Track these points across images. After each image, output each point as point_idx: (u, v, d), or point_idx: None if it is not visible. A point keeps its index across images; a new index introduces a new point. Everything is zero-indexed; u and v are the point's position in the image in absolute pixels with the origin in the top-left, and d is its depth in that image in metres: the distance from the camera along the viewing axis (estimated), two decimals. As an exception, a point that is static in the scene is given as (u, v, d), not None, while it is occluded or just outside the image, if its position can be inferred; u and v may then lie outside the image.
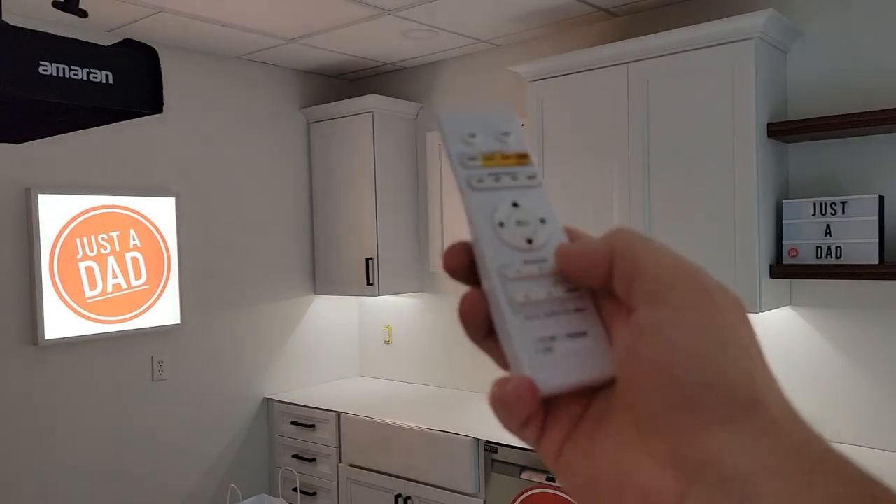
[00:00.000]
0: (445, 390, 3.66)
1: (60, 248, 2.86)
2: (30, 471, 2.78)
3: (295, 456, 3.52)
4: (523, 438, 0.33)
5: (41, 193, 2.80)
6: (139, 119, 3.27)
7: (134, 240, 3.10)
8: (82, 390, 2.94)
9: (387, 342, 3.96)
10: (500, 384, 0.32)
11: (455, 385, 3.65)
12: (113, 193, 3.03)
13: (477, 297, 0.33)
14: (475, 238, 0.33)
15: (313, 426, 3.44)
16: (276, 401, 3.61)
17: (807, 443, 0.26)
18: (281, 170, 3.73)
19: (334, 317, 3.99)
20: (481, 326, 0.33)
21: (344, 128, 3.70)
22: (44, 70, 1.24)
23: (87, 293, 2.94)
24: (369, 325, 4.06)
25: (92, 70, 1.30)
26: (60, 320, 2.85)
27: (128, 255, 3.08)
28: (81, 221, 2.93)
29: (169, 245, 3.22)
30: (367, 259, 3.58)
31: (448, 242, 3.60)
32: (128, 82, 1.36)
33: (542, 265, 0.32)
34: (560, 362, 0.31)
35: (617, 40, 2.78)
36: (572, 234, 0.34)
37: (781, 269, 2.48)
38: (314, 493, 3.45)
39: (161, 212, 3.20)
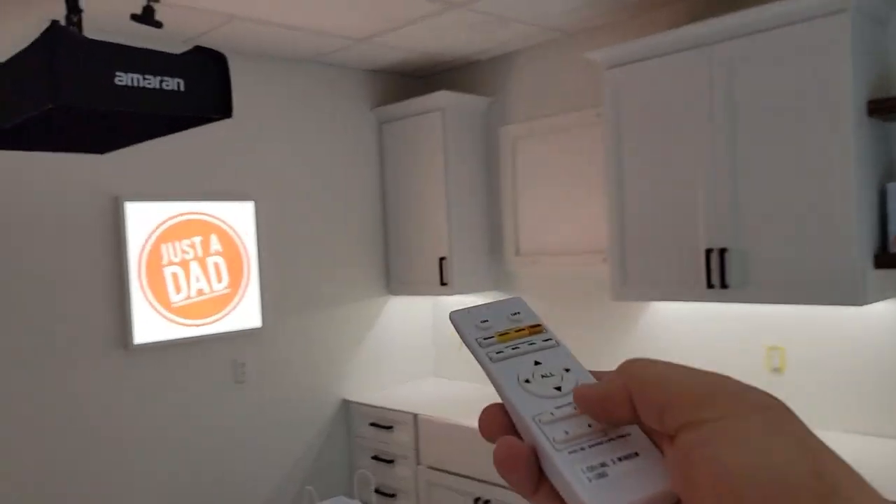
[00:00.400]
0: (524, 390, 3.58)
1: (148, 254, 2.95)
2: (117, 469, 2.88)
3: (374, 457, 3.53)
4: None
5: (128, 202, 2.90)
6: (217, 126, 3.35)
7: (215, 245, 3.17)
8: (168, 392, 3.03)
9: (461, 344, 3.90)
10: None
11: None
12: (195, 199, 3.10)
13: (514, 443, 0.32)
14: (506, 401, 0.34)
15: (391, 428, 3.44)
16: (354, 402, 3.63)
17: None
18: (354, 171, 3.75)
19: (409, 317, 3.98)
20: (526, 476, 0.32)
21: (414, 126, 3.68)
22: (119, 80, 1.26)
23: (173, 298, 3.03)
24: (444, 325, 4.03)
25: (164, 78, 1.31)
26: (149, 324, 2.95)
27: (210, 260, 3.15)
28: (166, 228, 3.02)
29: (248, 249, 3.28)
30: (441, 259, 3.55)
31: (523, 240, 3.53)
32: (199, 89, 1.36)
33: (572, 408, 0.33)
34: (616, 484, 0.30)
35: (694, 22, 2.64)
36: (598, 377, 0.35)
37: (887, 258, 2.29)
38: (394, 495, 3.45)
39: (240, 216, 3.26)
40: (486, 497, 3.00)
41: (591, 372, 0.36)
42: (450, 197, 3.53)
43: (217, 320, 3.17)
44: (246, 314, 3.27)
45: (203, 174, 3.16)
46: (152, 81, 1.31)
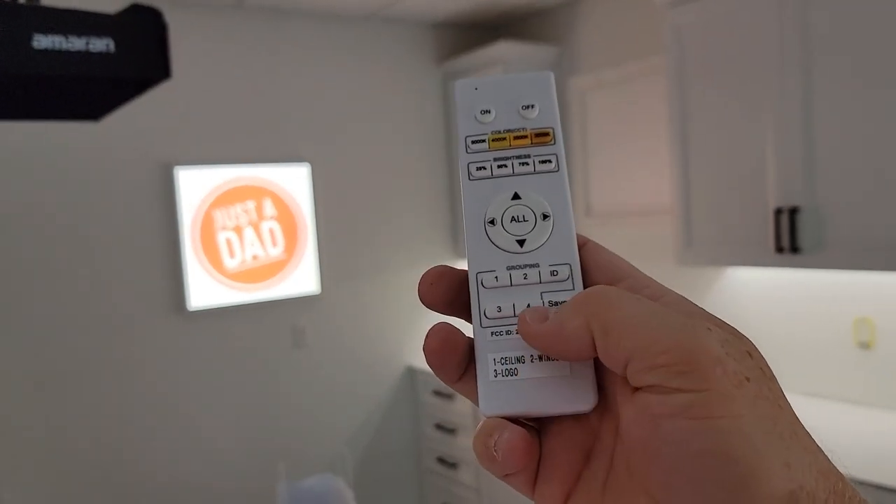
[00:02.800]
0: (593, 361, 3.37)
1: (201, 220, 3.01)
2: (175, 432, 3.00)
3: (437, 426, 3.47)
4: (511, 484, 0.29)
5: (180, 168, 2.96)
6: (271, 88, 3.32)
7: (270, 209, 3.18)
8: (227, 356, 3.10)
9: (533, 308, 3.74)
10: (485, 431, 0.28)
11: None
12: (248, 164, 3.12)
13: (450, 330, 0.30)
14: (466, 234, 0.30)
15: (452, 396, 3.35)
16: (418, 370, 3.58)
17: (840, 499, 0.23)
18: (418, 130, 3.63)
19: (479, 282, 3.84)
20: (455, 364, 0.29)
21: (476, 82, 3.48)
22: (38, 44, 1.20)
23: (228, 263, 3.08)
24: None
25: (91, 39, 1.25)
26: (204, 290, 3.02)
27: (264, 225, 3.17)
28: (219, 194, 3.05)
29: (304, 213, 3.27)
30: (503, 221, 3.37)
31: (594, 200, 3.28)
32: (131, 49, 1.28)
33: (528, 271, 0.28)
34: (520, 387, 0.28)
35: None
36: (581, 243, 0.30)
37: None
38: (455, 465, 3.37)
39: (295, 180, 3.24)
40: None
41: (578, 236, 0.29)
42: (512, 156, 3.32)
43: (274, 286, 3.19)
44: (303, 279, 3.27)
45: (256, 138, 3.16)
46: (76, 43, 1.24)
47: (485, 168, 0.30)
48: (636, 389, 0.25)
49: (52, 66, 1.22)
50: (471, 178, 0.30)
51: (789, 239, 2.15)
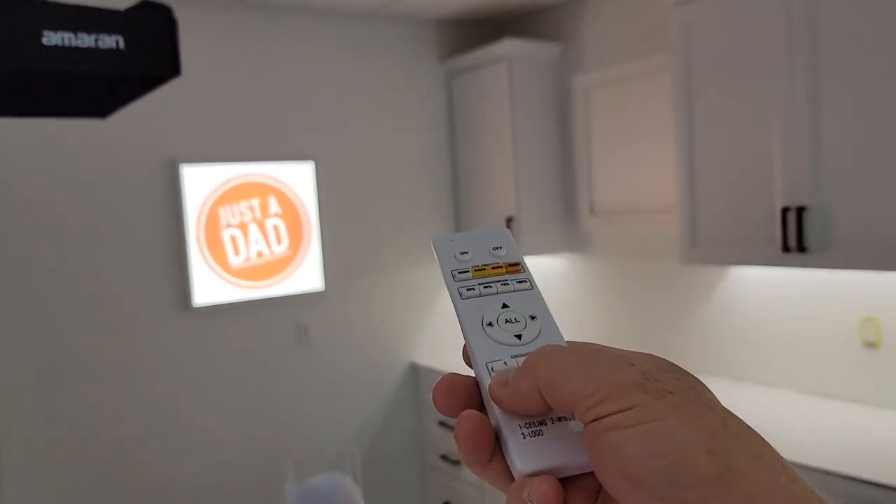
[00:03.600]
0: (596, 359, 3.37)
1: (206, 217, 3.01)
2: (179, 426, 3.00)
3: (440, 423, 3.47)
4: None
5: (185, 165, 2.95)
6: (275, 86, 3.33)
7: (274, 207, 3.18)
8: (231, 353, 3.10)
9: (536, 306, 3.73)
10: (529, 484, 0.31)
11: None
12: (252, 161, 3.11)
13: (478, 419, 0.32)
14: (467, 342, 0.34)
15: (455, 392, 3.35)
16: (422, 366, 3.58)
17: (793, 500, 0.26)
18: (422, 128, 3.63)
19: (482, 279, 3.84)
20: (486, 445, 0.32)
21: (481, 78, 3.48)
22: (47, 40, 1.20)
23: (232, 260, 3.08)
24: (519, 287, 3.86)
25: (100, 36, 1.24)
26: (209, 287, 3.01)
27: (269, 222, 3.17)
28: (224, 191, 3.05)
29: (308, 211, 3.27)
30: (508, 219, 3.36)
31: (598, 198, 3.27)
32: (140, 46, 1.28)
33: None
34: (549, 444, 0.31)
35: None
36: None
37: None
38: (458, 462, 3.37)
39: (299, 178, 3.24)
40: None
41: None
42: (517, 153, 3.32)
43: (278, 283, 3.19)
44: (308, 277, 3.27)
45: (260, 135, 3.16)
46: (86, 40, 1.24)
47: (473, 289, 0.35)
48: (585, 425, 0.29)
49: (61, 62, 1.22)
50: (462, 297, 0.35)
51: (796, 238, 2.15)
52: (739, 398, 2.59)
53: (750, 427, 0.28)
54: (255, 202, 3.13)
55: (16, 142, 2.64)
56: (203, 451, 3.04)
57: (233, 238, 3.08)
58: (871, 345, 2.33)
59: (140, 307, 2.88)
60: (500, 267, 0.37)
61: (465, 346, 0.35)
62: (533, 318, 0.35)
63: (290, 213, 3.22)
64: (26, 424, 2.67)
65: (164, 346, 2.94)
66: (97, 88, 1.37)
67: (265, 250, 3.15)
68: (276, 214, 3.18)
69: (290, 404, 3.26)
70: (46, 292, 2.70)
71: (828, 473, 1.88)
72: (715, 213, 2.44)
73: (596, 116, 3.31)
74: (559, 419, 0.32)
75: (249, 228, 3.11)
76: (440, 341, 3.70)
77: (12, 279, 2.65)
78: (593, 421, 0.29)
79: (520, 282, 0.36)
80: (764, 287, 2.65)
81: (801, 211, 2.14)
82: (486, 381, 0.32)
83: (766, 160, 2.25)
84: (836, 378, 2.45)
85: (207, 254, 3.01)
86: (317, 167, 3.29)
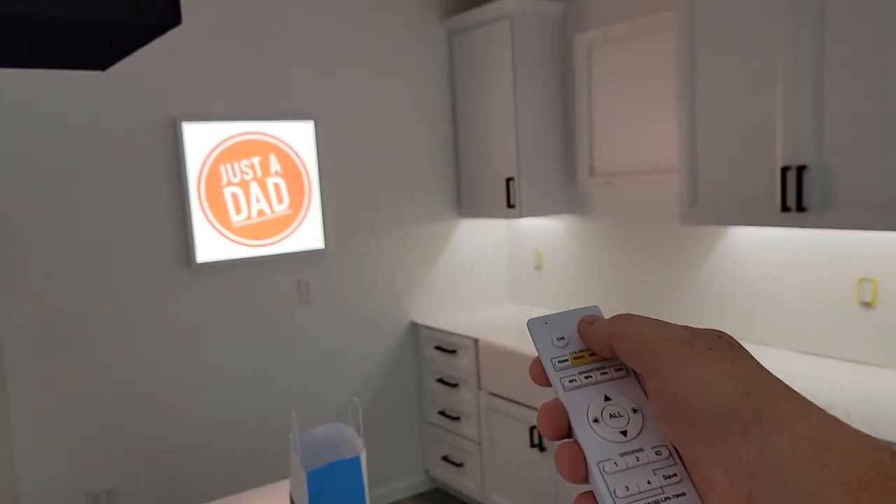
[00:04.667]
0: (595, 319, 3.40)
1: (206, 175, 3.01)
2: (183, 379, 3.05)
3: (439, 380, 3.52)
4: None
5: (186, 122, 2.95)
6: (275, 44, 3.30)
7: (275, 165, 3.18)
8: (233, 309, 3.13)
9: (536, 267, 3.76)
10: None
11: (608, 314, 3.37)
12: (253, 120, 3.11)
13: (575, 452, 0.36)
14: (574, 435, 0.36)
15: (455, 352, 3.39)
16: (421, 325, 3.61)
17: (818, 428, 0.30)
18: (422, 87, 3.60)
19: (483, 240, 3.87)
20: (582, 477, 0.37)
21: (483, 37, 3.45)
22: (45, -15, 1.20)
23: (234, 218, 3.09)
24: (519, 249, 3.88)
25: (98, -19, 1.24)
26: (211, 244, 3.03)
27: (269, 181, 3.17)
28: (224, 149, 3.05)
29: (309, 170, 3.27)
30: (508, 179, 3.37)
31: (598, 159, 3.27)
32: (139, -8, 1.27)
33: (637, 455, 0.35)
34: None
35: None
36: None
37: None
38: (458, 418, 3.43)
39: (300, 137, 3.24)
40: (542, 426, 2.91)
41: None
42: (518, 113, 3.31)
43: (279, 241, 3.21)
44: (308, 235, 3.29)
45: (261, 94, 3.15)
46: (85, -15, 1.24)
47: (575, 380, 0.38)
48: (646, 380, 0.36)
49: (58, 7, 1.21)
50: (566, 389, 0.38)
51: (796, 198, 2.16)
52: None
53: (777, 376, 0.34)
54: (256, 160, 3.13)
55: (17, 97, 2.64)
56: (207, 406, 3.09)
57: (234, 196, 3.08)
58: (867, 305, 2.35)
59: (144, 264, 2.91)
60: (596, 353, 0.39)
61: (533, 363, 0.39)
62: (635, 410, 0.37)
63: (291, 172, 3.22)
64: (34, 378, 2.72)
65: (168, 302, 2.97)
66: (96, 38, 1.37)
67: (266, 209, 3.17)
68: (276, 173, 3.19)
69: (292, 361, 3.31)
70: (49, 249, 2.72)
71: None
72: (715, 172, 2.44)
73: (597, 76, 3.28)
74: (618, 369, 0.38)
75: (251, 187, 3.12)
76: (439, 301, 3.73)
77: (14, 237, 2.66)
78: (653, 374, 0.35)
79: (617, 369, 0.38)
80: (762, 247, 2.67)
81: (801, 170, 2.15)
82: (601, 483, 0.35)
83: (768, 119, 2.25)
84: (833, 338, 2.47)
85: (209, 212, 3.02)
86: (317, 126, 3.28)
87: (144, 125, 2.89)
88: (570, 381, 0.38)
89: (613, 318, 0.38)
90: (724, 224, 2.47)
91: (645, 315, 0.38)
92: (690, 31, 2.46)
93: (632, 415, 0.36)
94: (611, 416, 0.36)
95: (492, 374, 3.18)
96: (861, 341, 2.39)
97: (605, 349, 0.38)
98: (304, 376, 3.35)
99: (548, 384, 0.39)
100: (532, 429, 2.96)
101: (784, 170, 2.19)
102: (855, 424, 0.31)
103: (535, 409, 2.92)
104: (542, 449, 2.92)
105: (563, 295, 3.60)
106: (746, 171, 2.33)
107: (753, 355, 0.35)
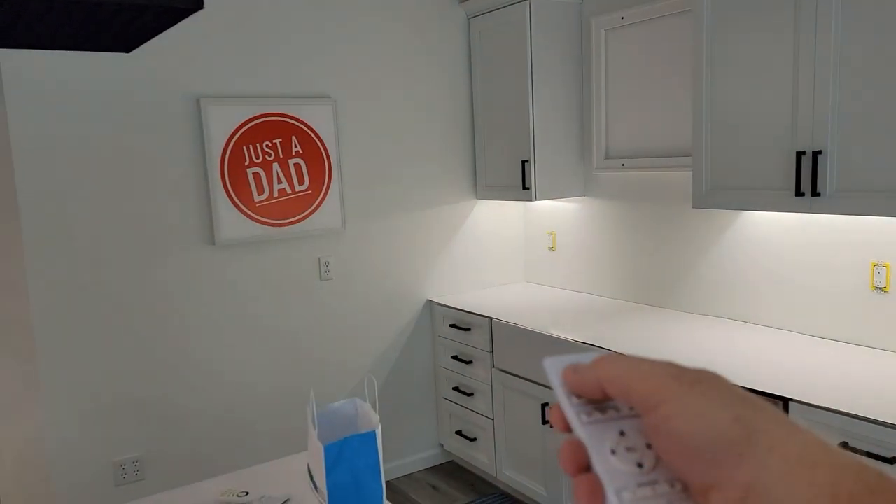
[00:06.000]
0: (607, 300, 3.44)
1: (229, 155, 3.08)
2: (204, 357, 3.15)
3: (454, 357, 3.58)
4: None
5: (209, 103, 3.01)
6: (297, 26, 3.35)
7: (296, 146, 3.24)
8: (255, 286, 3.22)
9: (550, 248, 3.80)
10: None
11: (620, 295, 3.42)
12: (275, 102, 3.16)
13: (595, 486, 0.38)
14: (594, 467, 0.38)
15: (469, 329, 3.46)
16: (437, 303, 3.68)
17: (806, 448, 0.32)
18: (440, 69, 3.63)
19: (498, 221, 3.91)
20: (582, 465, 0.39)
21: (500, 20, 3.46)
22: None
23: (256, 198, 3.16)
24: (534, 230, 3.92)
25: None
26: (233, 223, 3.11)
27: (291, 162, 3.23)
28: (246, 130, 3.11)
29: (329, 151, 3.32)
30: (523, 162, 3.40)
31: (612, 142, 3.28)
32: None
33: (654, 486, 0.37)
34: None
35: None
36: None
37: None
38: (472, 394, 3.50)
39: (320, 118, 3.29)
40: (554, 404, 2.96)
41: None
42: (534, 95, 3.33)
43: (300, 220, 3.28)
44: (328, 215, 3.35)
45: (282, 76, 3.20)
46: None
47: (592, 416, 0.39)
48: (643, 417, 0.37)
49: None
50: (583, 423, 0.39)
51: (811, 183, 2.17)
52: (748, 340, 2.65)
53: (766, 401, 0.35)
54: (278, 142, 3.19)
55: (48, 77, 2.71)
56: (229, 378, 3.19)
57: (256, 176, 3.15)
58: (881, 290, 2.37)
59: (169, 241, 2.99)
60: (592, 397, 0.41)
61: (565, 450, 0.40)
62: (648, 446, 0.38)
63: (312, 153, 3.28)
64: (62, 351, 2.82)
65: (192, 278, 3.06)
66: (121, 21, 1.42)
67: (287, 188, 3.23)
68: (297, 154, 3.24)
69: (311, 336, 3.39)
70: (77, 225, 2.81)
71: (832, 412, 1.95)
72: (729, 157, 2.46)
73: (613, 59, 3.29)
74: (613, 408, 0.39)
75: (272, 167, 3.18)
76: (455, 280, 3.79)
77: (44, 213, 2.75)
78: (649, 412, 0.36)
79: (630, 408, 0.40)
80: (775, 231, 2.69)
81: (816, 155, 2.16)
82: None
83: (784, 104, 2.26)
84: (846, 322, 2.50)
85: (232, 191, 3.09)
86: (337, 107, 3.32)
87: (170, 105, 2.95)
88: (588, 416, 0.39)
89: (597, 361, 0.40)
90: (738, 209, 2.49)
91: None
92: (707, 15, 2.47)
93: (646, 449, 0.38)
94: (627, 449, 0.38)
95: (505, 351, 3.24)
96: (875, 326, 2.41)
97: (598, 392, 0.39)
98: (323, 350, 3.44)
99: (567, 430, 0.40)
100: (544, 406, 3.02)
101: (799, 154, 2.21)
102: (867, 410, 0.35)
103: (547, 387, 2.98)
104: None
105: (576, 276, 3.64)
106: (761, 156, 2.35)
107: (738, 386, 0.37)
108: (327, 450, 1.48)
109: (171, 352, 3.05)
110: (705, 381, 0.36)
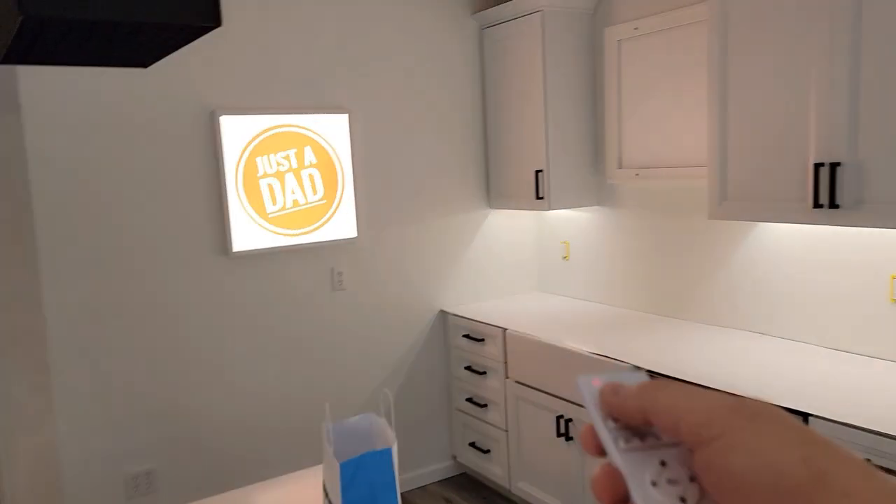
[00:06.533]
0: (621, 310, 3.41)
1: (244, 166, 3.09)
2: (217, 364, 3.15)
3: (467, 368, 3.57)
4: None
5: (223, 115, 3.02)
6: (312, 39, 3.36)
7: (310, 157, 3.24)
8: (268, 296, 3.22)
9: (564, 258, 3.78)
10: None
11: (633, 305, 3.39)
12: (289, 113, 3.17)
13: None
14: (633, 495, 0.35)
15: (483, 340, 3.44)
16: (450, 314, 3.66)
17: (883, 496, 0.29)
18: (453, 80, 3.63)
19: (511, 231, 3.90)
20: None
21: (513, 31, 3.46)
22: (97, -8, 1.25)
23: (269, 208, 3.16)
24: (547, 239, 3.90)
25: (145, -13, 1.29)
26: (247, 233, 3.11)
27: (304, 172, 3.24)
28: (261, 141, 3.12)
29: (343, 161, 3.33)
30: (537, 171, 3.38)
31: (626, 152, 3.27)
32: (182, -4, 1.33)
33: None
34: None
35: None
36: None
37: None
38: (485, 406, 3.49)
39: (334, 129, 3.29)
40: (569, 416, 2.95)
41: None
42: (547, 105, 3.32)
43: (313, 230, 3.28)
44: (342, 225, 3.35)
45: (297, 87, 3.21)
46: (131, -9, 1.29)
47: (630, 442, 0.36)
48: (693, 451, 0.34)
49: (103, 11, 1.27)
50: (621, 451, 0.36)
51: (829, 195, 2.15)
52: (766, 352, 2.62)
53: (828, 438, 0.32)
54: (292, 153, 3.19)
55: (69, 89, 2.73)
56: (243, 390, 3.19)
57: (270, 187, 3.15)
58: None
59: (183, 251, 3.00)
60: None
61: (586, 429, 0.38)
62: (692, 479, 0.35)
63: (326, 163, 3.28)
64: (76, 362, 2.83)
65: (206, 289, 3.06)
66: (139, 38, 1.43)
67: (301, 199, 3.23)
68: (311, 164, 3.25)
69: (324, 347, 3.39)
70: (93, 235, 2.82)
71: (854, 428, 1.92)
72: (745, 168, 2.44)
73: (627, 69, 3.27)
74: (653, 436, 0.36)
75: (286, 178, 3.19)
76: (468, 290, 3.78)
77: (62, 222, 2.77)
78: (700, 445, 0.33)
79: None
80: (792, 243, 2.66)
81: (834, 167, 2.14)
82: None
83: (801, 115, 2.23)
84: (865, 335, 2.46)
85: (246, 202, 3.10)
86: (351, 119, 3.33)
87: (185, 117, 2.97)
88: (626, 442, 0.37)
89: (642, 388, 0.37)
90: (755, 220, 2.47)
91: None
92: (723, 26, 2.45)
93: (688, 483, 0.35)
94: (668, 481, 0.35)
95: (519, 363, 3.22)
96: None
97: (639, 421, 0.36)
98: (337, 362, 3.43)
99: (601, 453, 0.37)
100: (559, 418, 3.00)
101: (817, 166, 2.18)
102: (888, 426, 0.33)
103: (561, 398, 2.96)
104: (568, 438, 2.96)
105: (590, 286, 3.62)
106: (778, 167, 2.32)
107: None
108: (343, 467, 1.47)
109: (184, 363, 3.05)
110: (766, 416, 0.33)
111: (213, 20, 1.37)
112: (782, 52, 2.28)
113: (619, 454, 0.36)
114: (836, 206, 2.15)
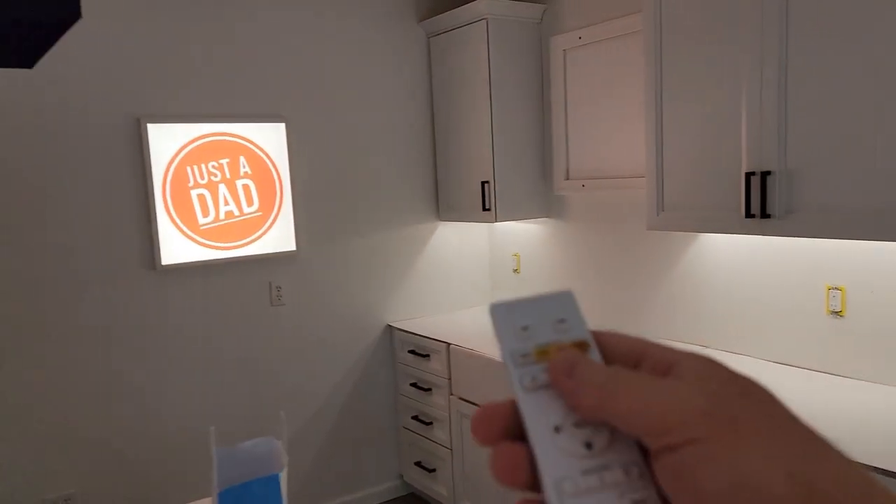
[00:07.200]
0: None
1: (172, 176, 2.97)
2: (144, 389, 3.01)
3: (413, 384, 3.46)
4: None
5: (150, 123, 2.91)
6: (246, 43, 3.25)
7: (244, 167, 3.14)
8: (202, 312, 3.09)
9: (515, 271, 3.70)
10: None
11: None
12: (221, 121, 3.06)
13: (516, 455, 0.31)
14: (530, 440, 0.31)
15: (428, 356, 3.34)
16: (396, 328, 3.56)
17: (866, 497, 0.26)
18: (399, 89, 3.55)
19: (463, 243, 3.81)
20: (527, 485, 0.31)
21: (460, 39, 3.39)
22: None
23: (201, 220, 3.04)
24: (499, 252, 3.82)
25: (-7, -21, 1.19)
26: (177, 246, 2.99)
27: (239, 183, 3.13)
28: (191, 150, 3.01)
29: (280, 172, 3.22)
30: (483, 183, 3.30)
31: (574, 162, 3.20)
32: (37, -10, 1.23)
33: (602, 474, 0.29)
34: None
35: None
36: (599, 333, 0.35)
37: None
38: (430, 423, 3.38)
39: (271, 138, 3.19)
40: (511, 435, 2.85)
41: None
42: (494, 115, 3.25)
43: (248, 243, 3.16)
44: (280, 238, 3.24)
45: (231, 95, 3.10)
46: (-22, -16, 1.19)
47: (536, 379, 0.32)
48: (655, 454, 0.29)
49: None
50: (525, 390, 0.32)
51: (760, 204, 2.08)
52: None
53: (833, 444, 0.27)
54: (225, 162, 3.08)
55: (-25, 96, 2.60)
56: (171, 411, 3.05)
57: (201, 197, 3.04)
58: (836, 314, 2.27)
59: (107, 266, 2.87)
60: (566, 348, 0.33)
61: (480, 415, 0.33)
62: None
63: (262, 174, 3.18)
64: (1, 385, 2.69)
65: (133, 305, 2.93)
66: (10, 36, 1.32)
67: (235, 210, 3.12)
68: (246, 174, 3.14)
69: (263, 364, 3.26)
70: (8, 250, 2.69)
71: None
72: (681, 178, 2.37)
73: (573, 79, 3.22)
74: (610, 435, 0.30)
75: (219, 188, 3.08)
76: (417, 305, 3.68)
77: (-26, 236, 2.63)
78: (664, 451, 0.28)
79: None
80: (732, 253, 2.60)
81: (765, 176, 2.07)
82: (560, 501, 0.29)
83: (733, 125, 2.18)
84: (802, 347, 2.40)
85: (175, 213, 2.98)
86: (289, 128, 3.23)
87: (108, 125, 2.85)
88: (532, 380, 0.32)
89: (603, 376, 0.31)
90: (690, 230, 2.40)
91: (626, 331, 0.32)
92: (656, 37, 2.40)
93: (598, 428, 0.30)
94: (574, 424, 0.31)
95: (463, 378, 3.12)
96: (832, 351, 2.31)
97: (593, 418, 0.31)
98: (276, 380, 3.31)
99: (491, 442, 0.32)
100: (501, 437, 2.90)
101: (748, 175, 2.12)
102: (825, 433, 0.27)
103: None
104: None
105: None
106: (712, 177, 2.26)
107: (790, 408, 0.29)
108: (221, 497, 1.36)
109: (108, 381, 2.91)
110: (745, 417, 0.28)
111: (72, 14, 1.27)
112: (714, 63, 2.22)
113: (523, 393, 0.31)
114: (768, 216, 2.08)
